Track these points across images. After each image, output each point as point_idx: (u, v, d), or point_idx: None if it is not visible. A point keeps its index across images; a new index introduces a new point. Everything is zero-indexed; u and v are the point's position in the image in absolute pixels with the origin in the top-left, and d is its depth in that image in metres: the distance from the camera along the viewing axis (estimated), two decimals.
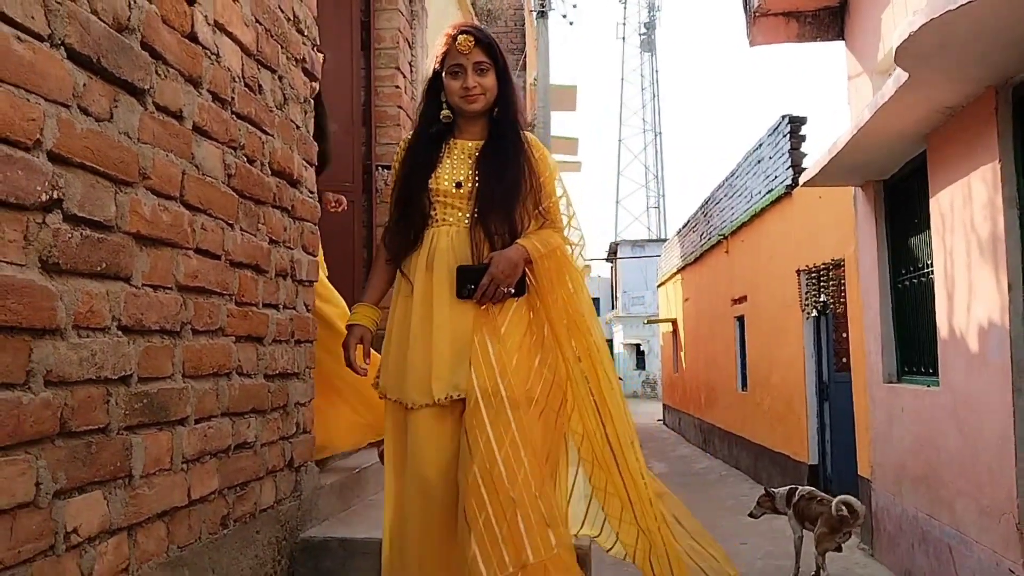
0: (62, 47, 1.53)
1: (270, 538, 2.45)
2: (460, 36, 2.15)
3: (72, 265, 1.54)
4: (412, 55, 4.59)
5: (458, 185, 2.20)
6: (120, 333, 1.69)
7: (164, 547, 1.87)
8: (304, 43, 2.82)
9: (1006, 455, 4.16)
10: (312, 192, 2.87)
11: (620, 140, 54.56)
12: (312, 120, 2.89)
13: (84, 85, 1.59)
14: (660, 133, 54.23)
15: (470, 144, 2.26)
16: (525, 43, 13.85)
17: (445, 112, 2.24)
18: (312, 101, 2.90)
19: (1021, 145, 4.14)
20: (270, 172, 2.49)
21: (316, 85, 2.93)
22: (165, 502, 1.86)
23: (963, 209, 4.67)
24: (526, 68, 13.60)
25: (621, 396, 2.26)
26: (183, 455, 1.95)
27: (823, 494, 6.03)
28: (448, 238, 2.18)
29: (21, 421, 1.41)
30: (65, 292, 1.52)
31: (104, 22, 1.65)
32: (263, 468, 2.41)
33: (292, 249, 2.66)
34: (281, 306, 2.57)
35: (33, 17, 1.44)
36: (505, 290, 2.11)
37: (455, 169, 2.22)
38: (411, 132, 2.36)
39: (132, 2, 1.75)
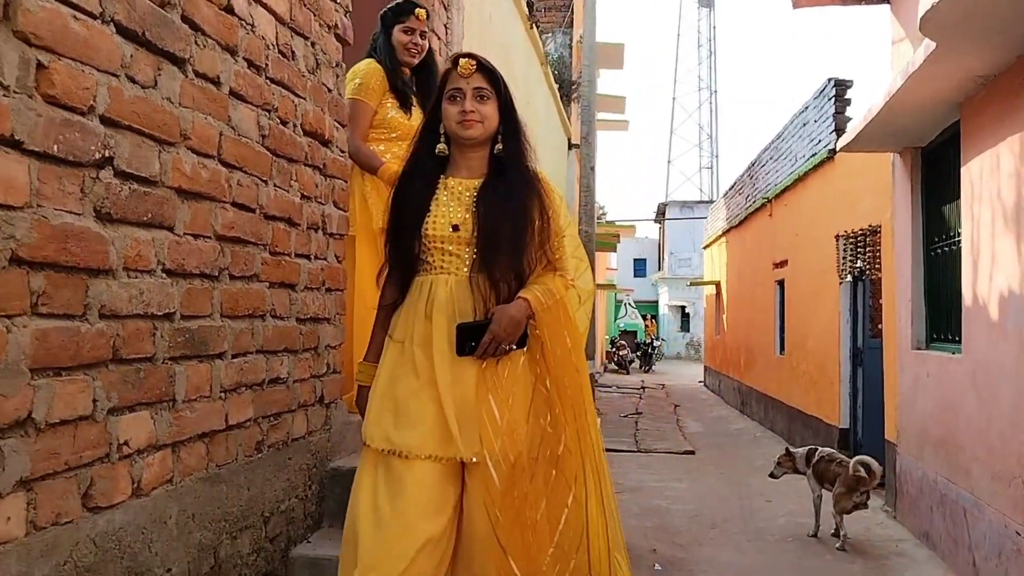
0: (111, 23, 1.74)
1: (301, 465, 2.72)
2: (461, 60, 2.05)
3: (122, 215, 1.78)
4: (448, 17, 4.74)
5: (454, 228, 2.04)
6: (164, 275, 1.94)
7: (204, 464, 2.13)
8: (337, 10, 3.01)
9: (1018, 422, 4.25)
10: (343, 151, 3.08)
11: (674, 98, 53.66)
12: (343, 83, 3.09)
13: (131, 56, 1.81)
14: (715, 91, 53.16)
15: (467, 183, 2.09)
16: (572, 0, 13.80)
17: (441, 146, 2.08)
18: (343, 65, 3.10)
19: None
20: (302, 133, 2.71)
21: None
22: (205, 425, 2.13)
23: (991, 178, 4.68)
24: (572, 25, 13.57)
25: (605, 466, 2.15)
26: (221, 385, 2.20)
27: (842, 456, 6.16)
28: (447, 288, 2.03)
29: (80, 347, 1.66)
30: (116, 238, 1.76)
31: None
32: (295, 402, 2.67)
33: (323, 204, 2.89)
34: (313, 256, 2.80)
35: None
36: (507, 347, 1.98)
37: (451, 210, 2.06)
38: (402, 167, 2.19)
39: None
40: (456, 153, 2.11)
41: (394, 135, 3.31)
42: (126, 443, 1.82)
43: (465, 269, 2.05)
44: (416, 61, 3.39)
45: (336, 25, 2.98)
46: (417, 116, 3.30)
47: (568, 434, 2.01)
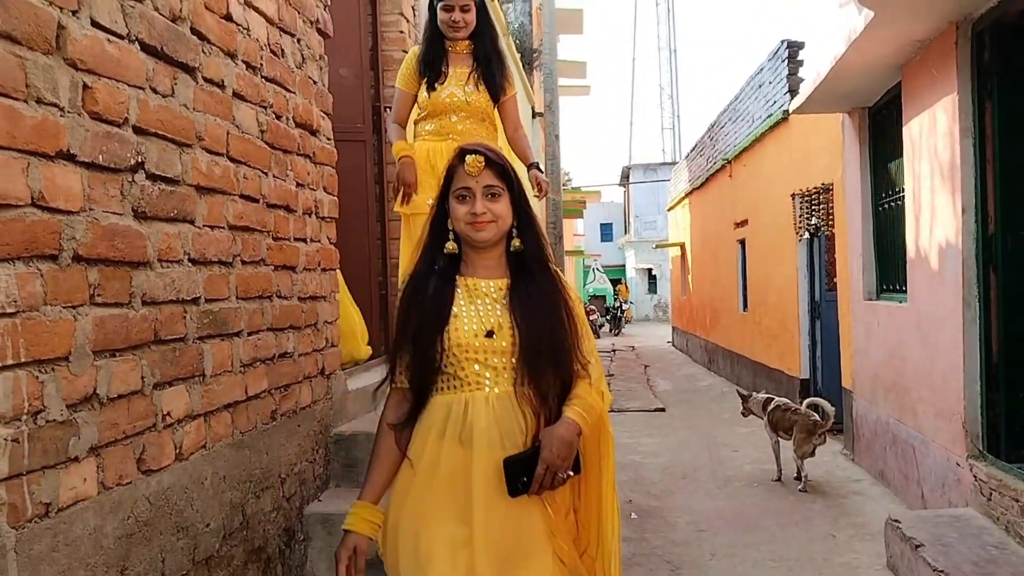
0: (136, 42, 1.96)
1: (309, 431, 2.99)
2: (469, 157, 1.84)
3: (154, 212, 2.01)
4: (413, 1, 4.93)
5: (489, 335, 1.80)
6: (190, 264, 2.17)
7: (230, 431, 2.39)
8: (317, 5, 3.22)
9: (956, 363, 4.64)
10: (329, 139, 3.30)
11: (634, 59, 53.74)
12: (327, 74, 3.30)
13: (153, 70, 2.03)
14: (675, 51, 53.28)
15: (491, 283, 1.87)
16: None
17: (450, 245, 1.86)
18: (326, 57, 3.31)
19: (978, 78, 4.47)
20: (294, 125, 2.93)
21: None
22: (229, 396, 2.38)
23: (928, 137, 5.03)
24: None
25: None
26: (240, 360, 2.45)
27: (795, 405, 6.58)
28: (488, 407, 1.77)
29: (129, 330, 1.90)
30: (151, 233, 2.00)
31: (164, 16, 2.08)
32: (301, 374, 2.93)
33: (315, 190, 3.12)
34: (308, 239, 3.04)
35: (116, 21, 1.88)
36: (563, 476, 1.74)
37: (482, 315, 1.82)
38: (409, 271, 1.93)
39: None
40: (470, 252, 1.88)
41: (424, 114, 3.41)
42: (168, 414, 2.07)
43: (506, 384, 1.79)
44: (461, 35, 3.35)
45: (317, 20, 3.19)
46: (450, 87, 3.33)
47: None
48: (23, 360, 1.57)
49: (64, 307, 1.69)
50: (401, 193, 3.36)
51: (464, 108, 3.33)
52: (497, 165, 1.86)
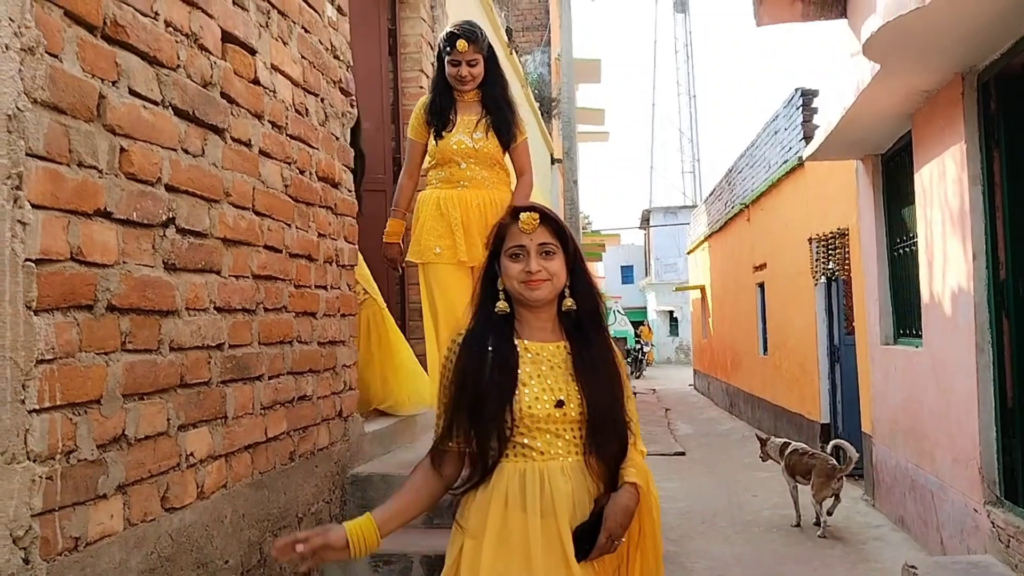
0: (170, 107, 2.11)
1: (326, 472, 3.08)
2: (524, 214, 1.80)
3: (183, 264, 2.14)
4: (434, 57, 5.13)
5: (559, 404, 1.75)
6: (215, 312, 2.30)
7: (250, 471, 2.49)
8: (340, 67, 3.39)
9: (972, 408, 4.65)
10: (350, 191, 3.45)
11: (654, 104, 54.25)
12: (348, 131, 3.46)
13: (185, 132, 2.18)
14: (695, 96, 53.75)
15: (550, 347, 1.82)
16: (549, 19, 14.24)
17: (501, 304, 1.81)
18: (348, 114, 3.48)
19: (985, 127, 4.56)
20: (317, 179, 3.08)
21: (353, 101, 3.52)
22: (250, 438, 2.49)
23: (939, 184, 5.10)
24: (550, 44, 14.01)
25: None
26: (260, 403, 2.57)
27: (813, 449, 6.58)
28: (565, 477, 1.74)
29: (157, 375, 2.02)
30: (179, 284, 2.13)
31: (195, 82, 2.24)
32: (319, 416, 3.03)
33: (336, 240, 3.26)
34: (329, 287, 3.17)
35: (152, 89, 2.03)
36: (617, 543, 1.74)
37: (549, 383, 1.77)
38: (460, 332, 1.85)
39: (213, 63, 2.33)
40: (523, 312, 1.83)
41: (433, 162, 3.47)
42: (192, 454, 2.18)
43: (575, 453, 1.77)
44: (469, 88, 3.40)
45: (340, 80, 3.36)
46: (458, 135, 3.39)
47: None
48: (59, 403, 1.69)
49: (97, 354, 1.82)
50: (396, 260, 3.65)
51: (472, 155, 3.38)
52: (552, 222, 1.83)
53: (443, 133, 3.40)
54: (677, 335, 34.93)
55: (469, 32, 3.35)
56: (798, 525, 6.42)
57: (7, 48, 1.53)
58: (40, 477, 1.63)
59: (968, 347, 4.65)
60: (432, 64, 5.00)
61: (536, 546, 1.70)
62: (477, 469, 1.77)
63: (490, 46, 3.42)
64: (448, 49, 3.36)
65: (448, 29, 3.41)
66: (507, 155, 3.51)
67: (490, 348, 1.78)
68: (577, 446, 1.77)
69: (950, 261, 4.97)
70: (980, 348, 4.56)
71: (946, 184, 4.98)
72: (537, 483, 1.73)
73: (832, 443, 6.46)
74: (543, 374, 1.78)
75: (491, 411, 1.73)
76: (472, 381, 1.75)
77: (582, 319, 1.84)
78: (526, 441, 1.75)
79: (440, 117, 3.42)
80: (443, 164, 3.41)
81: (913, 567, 4.30)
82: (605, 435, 1.77)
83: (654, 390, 20.84)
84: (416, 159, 3.57)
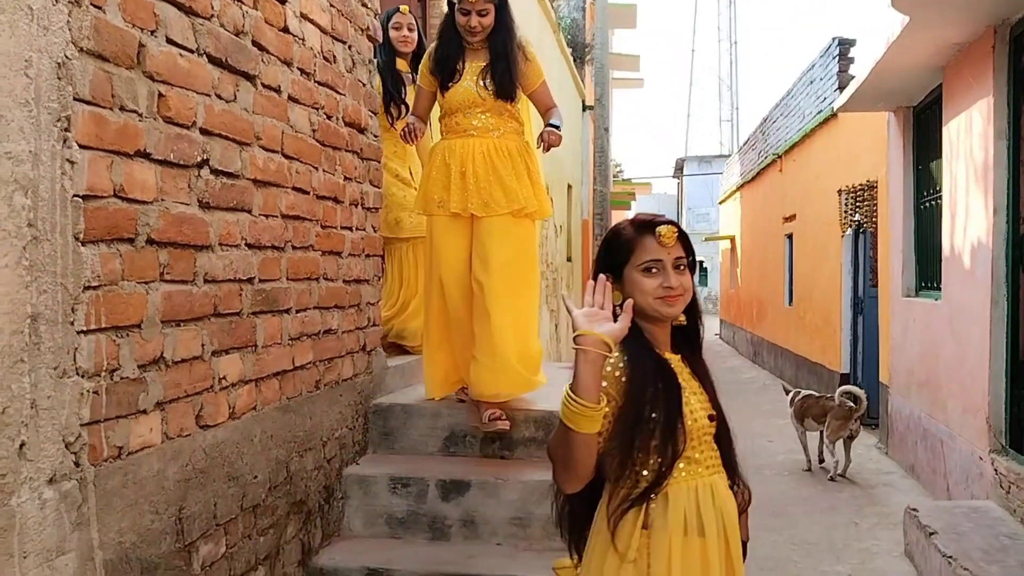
0: (204, 55, 2.25)
1: (350, 401, 3.28)
2: (663, 228, 1.74)
3: (216, 203, 2.31)
4: None
5: (712, 418, 1.75)
6: (247, 248, 2.47)
7: (278, 396, 2.69)
8: (367, 14, 3.49)
9: (985, 360, 4.73)
10: (376, 136, 3.58)
11: (693, 50, 53.09)
12: (375, 77, 3.58)
13: (218, 79, 2.32)
14: (736, 42, 52.46)
15: (678, 358, 1.80)
16: None
17: (625, 320, 1.66)
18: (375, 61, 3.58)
19: (1014, 81, 4.53)
20: (344, 124, 3.21)
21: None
22: (278, 365, 2.68)
23: (965, 138, 5.09)
24: None
25: None
26: (289, 334, 2.75)
27: (820, 394, 6.71)
28: (722, 492, 1.73)
29: (192, 304, 2.20)
30: (213, 221, 2.29)
31: (228, 31, 2.36)
32: (344, 349, 3.22)
33: (361, 184, 3.40)
34: (354, 228, 3.32)
35: (187, 38, 2.17)
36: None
37: (699, 397, 1.76)
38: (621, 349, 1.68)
39: (245, 13, 2.46)
40: (650, 327, 1.76)
41: (442, 112, 3.47)
42: (224, 377, 2.37)
43: (719, 466, 1.75)
44: (479, 38, 3.34)
45: (368, 27, 3.46)
46: (465, 83, 3.35)
47: None
48: (104, 326, 1.88)
49: (138, 282, 1.99)
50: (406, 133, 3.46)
51: (479, 103, 3.33)
52: (685, 236, 1.79)
53: (449, 84, 3.38)
54: (706, 285, 34.83)
55: None
56: (809, 469, 6.58)
57: (57, 1, 1.67)
58: (87, 391, 1.82)
59: (984, 300, 4.71)
60: None
61: (706, 567, 1.67)
62: (638, 488, 1.67)
63: None
64: None
65: None
66: (520, 102, 3.44)
67: (650, 362, 1.71)
68: (718, 460, 1.75)
69: (971, 215, 4.99)
70: (995, 301, 4.62)
71: (972, 138, 4.97)
72: (710, 499, 1.69)
73: (840, 389, 6.58)
74: (694, 390, 1.76)
75: (671, 425, 1.67)
76: (651, 396, 1.67)
77: (690, 334, 1.82)
78: (696, 455, 1.71)
79: (446, 67, 3.38)
80: (451, 113, 3.40)
81: (915, 509, 4.45)
82: (730, 446, 1.79)
83: None
84: (423, 104, 3.54)
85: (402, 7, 3.88)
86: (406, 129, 3.48)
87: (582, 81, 12.37)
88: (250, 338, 2.51)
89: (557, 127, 3.34)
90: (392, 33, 3.78)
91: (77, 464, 1.79)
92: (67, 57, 1.72)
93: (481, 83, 3.34)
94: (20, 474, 1.62)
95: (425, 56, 3.50)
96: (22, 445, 1.62)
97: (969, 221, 5.03)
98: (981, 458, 4.73)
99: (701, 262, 34.64)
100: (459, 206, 3.33)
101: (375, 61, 3.66)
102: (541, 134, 3.34)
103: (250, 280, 2.50)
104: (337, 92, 3.14)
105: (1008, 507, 4.29)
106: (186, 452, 2.19)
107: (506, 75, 3.32)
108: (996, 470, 4.49)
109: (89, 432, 1.83)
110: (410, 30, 3.85)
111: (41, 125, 1.65)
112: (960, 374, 5.19)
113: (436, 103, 3.53)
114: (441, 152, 3.41)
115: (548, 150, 3.37)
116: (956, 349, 5.30)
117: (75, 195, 1.76)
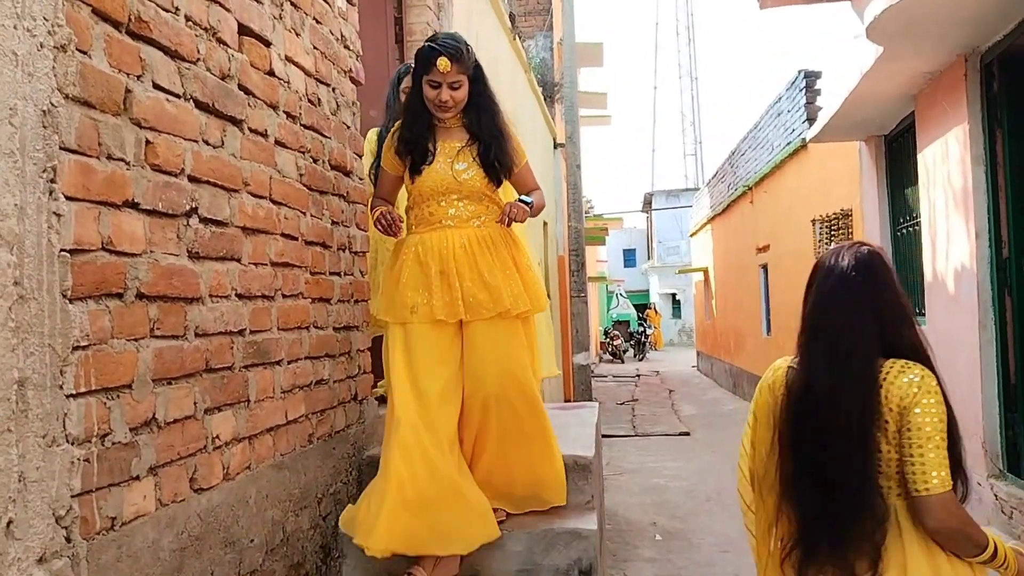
0: (191, 100, 2.17)
1: (343, 454, 3.15)
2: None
3: (206, 252, 2.20)
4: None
5: None
6: (237, 299, 2.36)
7: (271, 453, 2.56)
8: (350, 56, 3.44)
9: (976, 384, 4.72)
10: (361, 179, 3.50)
11: (655, 87, 54.08)
12: (359, 120, 3.51)
13: (205, 124, 2.23)
14: (696, 78, 53.56)
15: None
16: (551, 3, 14.20)
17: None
18: (359, 103, 3.52)
19: (988, 108, 4.60)
20: (329, 167, 3.13)
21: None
22: (271, 420, 2.55)
23: (942, 165, 5.15)
24: (553, 28, 13.98)
25: None
26: (280, 387, 2.63)
27: None
28: None
29: (183, 360, 2.08)
30: (203, 272, 2.19)
31: (214, 75, 2.29)
32: (336, 399, 3.10)
33: (348, 227, 3.32)
34: (343, 273, 3.23)
35: (174, 82, 2.08)
36: None
37: None
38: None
39: (231, 56, 2.38)
40: None
41: (410, 202, 2.98)
42: (217, 436, 2.24)
43: None
44: (450, 114, 2.88)
45: (350, 69, 3.41)
46: (437, 167, 2.88)
47: None
48: (94, 388, 1.76)
49: (128, 340, 1.88)
50: (384, 224, 2.86)
51: (456, 189, 2.84)
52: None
53: (421, 168, 2.86)
54: (680, 317, 35.02)
55: (453, 49, 2.76)
56: None
57: (42, 46, 1.58)
58: (78, 459, 1.70)
59: (971, 324, 4.72)
60: None
61: None
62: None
63: (477, 63, 2.86)
64: (426, 68, 2.78)
65: (426, 43, 2.83)
66: (502, 185, 2.99)
67: None
68: None
69: (953, 240, 5.03)
70: (983, 325, 4.63)
71: (949, 164, 5.02)
72: None
73: None
74: None
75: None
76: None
77: None
78: None
79: (416, 148, 2.87)
80: (422, 202, 2.88)
81: None
82: None
83: (657, 372, 20.95)
84: (390, 190, 3.02)
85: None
86: (385, 219, 2.85)
87: (552, 119, 12.46)
88: (242, 393, 2.39)
89: (528, 203, 2.87)
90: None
91: (68, 540, 1.65)
92: (52, 104, 1.63)
93: (456, 166, 2.85)
94: (7, 555, 1.49)
95: (389, 136, 2.98)
96: (9, 523, 1.49)
97: (951, 246, 5.07)
98: (980, 484, 4.70)
99: (674, 294, 34.86)
100: (446, 311, 2.78)
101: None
102: (506, 206, 2.85)
103: (241, 332, 2.39)
104: (323, 135, 3.07)
105: (1012, 532, 4.25)
106: (181, 519, 2.06)
107: (499, 155, 2.87)
108: (996, 495, 4.46)
109: (80, 504, 1.70)
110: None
111: (26, 176, 1.55)
112: (951, 399, 5.17)
113: (404, 188, 3.02)
114: (413, 248, 2.85)
115: (509, 224, 2.87)
116: (943, 374, 5.27)
117: (62, 249, 1.66)
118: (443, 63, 2.72)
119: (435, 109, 2.84)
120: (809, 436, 1.76)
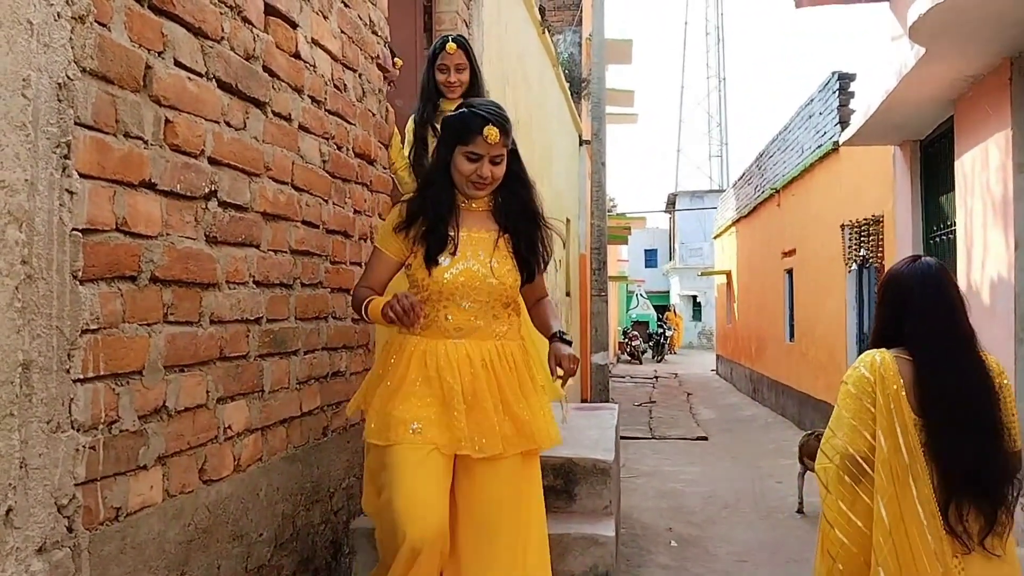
0: (213, 79, 2.10)
1: (357, 447, 3.09)
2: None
3: (224, 237, 2.14)
4: (469, 33, 5.07)
5: None
6: (255, 286, 2.30)
7: (285, 445, 2.50)
8: (378, 42, 3.36)
9: None
10: (385, 168, 3.43)
11: (683, 87, 53.70)
12: (385, 107, 3.44)
13: (227, 105, 2.17)
14: (724, 79, 53.08)
15: None
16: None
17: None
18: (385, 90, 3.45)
19: None
20: (354, 155, 3.07)
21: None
22: (285, 412, 2.49)
23: (981, 172, 4.99)
24: (582, 24, 13.86)
25: None
26: (296, 378, 2.57)
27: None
28: None
29: (197, 348, 2.02)
30: (220, 257, 2.13)
31: (239, 55, 2.22)
32: (352, 392, 3.02)
33: (371, 217, 3.25)
34: (364, 263, 3.16)
35: (196, 61, 2.02)
36: None
37: None
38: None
39: (256, 36, 2.32)
40: None
41: (421, 297, 2.30)
42: (229, 427, 2.19)
43: None
44: (483, 193, 2.35)
45: (378, 56, 3.34)
46: (467, 261, 2.29)
47: None
48: (102, 373, 1.70)
49: (140, 324, 1.82)
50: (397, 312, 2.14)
51: (485, 291, 2.27)
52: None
53: (439, 258, 2.25)
54: (700, 320, 34.74)
55: (501, 118, 2.27)
56: (800, 511, 6.39)
57: (59, 16, 1.52)
58: (83, 446, 1.64)
59: (1007, 336, 4.57)
60: None
61: None
62: None
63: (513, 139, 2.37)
64: (465, 138, 2.24)
65: (463, 108, 2.33)
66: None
67: None
68: None
69: (990, 250, 4.88)
70: (1019, 338, 4.48)
71: (988, 172, 4.87)
72: None
73: None
74: None
75: None
76: None
77: None
78: None
79: (435, 232, 2.27)
80: (436, 301, 2.26)
81: None
82: None
83: (676, 375, 20.78)
84: (383, 278, 2.37)
85: (449, 45, 3.08)
86: (402, 307, 2.13)
87: (579, 116, 12.35)
88: (257, 383, 2.33)
89: (569, 343, 2.36)
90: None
91: (70, 529, 1.60)
92: (69, 77, 1.57)
93: (492, 263, 2.28)
94: (6, 544, 1.43)
95: (393, 213, 2.38)
96: (9, 511, 1.43)
97: (987, 257, 4.92)
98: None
99: (695, 297, 34.59)
100: (448, 441, 2.20)
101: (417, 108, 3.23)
102: (557, 358, 2.28)
103: (257, 320, 2.33)
104: (347, 122, 3.00)
105: None
106: (188, 511, 2.00)
107: (542, 251, 2.38)
108: None
109: (84, 492, 1.64)
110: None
111: (39, 151, 1.49)
112: None
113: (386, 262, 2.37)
114: (421, 357, 2.25)
115: (564, 384, 2.34)
116: None
117: (74, 229, 1.60)
118: (492, 134, 2.21)
119: (469, 186, 2.29)
120: (947, 414, 1.99)
